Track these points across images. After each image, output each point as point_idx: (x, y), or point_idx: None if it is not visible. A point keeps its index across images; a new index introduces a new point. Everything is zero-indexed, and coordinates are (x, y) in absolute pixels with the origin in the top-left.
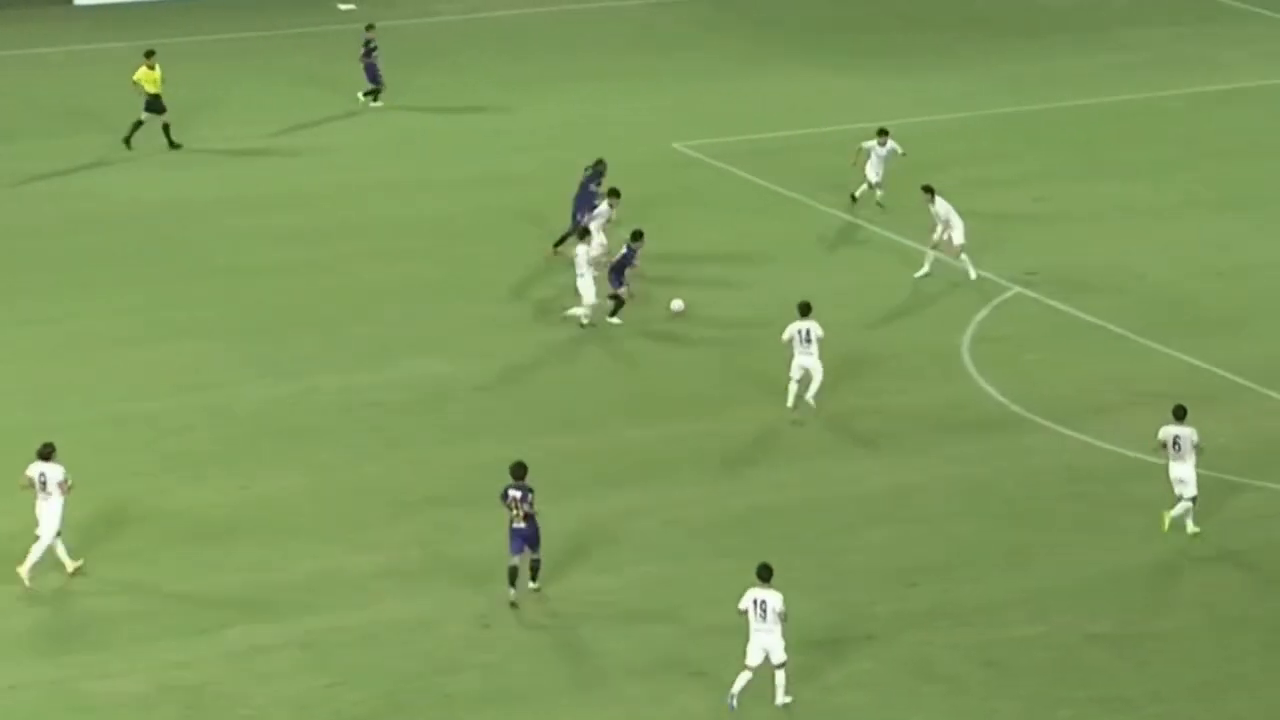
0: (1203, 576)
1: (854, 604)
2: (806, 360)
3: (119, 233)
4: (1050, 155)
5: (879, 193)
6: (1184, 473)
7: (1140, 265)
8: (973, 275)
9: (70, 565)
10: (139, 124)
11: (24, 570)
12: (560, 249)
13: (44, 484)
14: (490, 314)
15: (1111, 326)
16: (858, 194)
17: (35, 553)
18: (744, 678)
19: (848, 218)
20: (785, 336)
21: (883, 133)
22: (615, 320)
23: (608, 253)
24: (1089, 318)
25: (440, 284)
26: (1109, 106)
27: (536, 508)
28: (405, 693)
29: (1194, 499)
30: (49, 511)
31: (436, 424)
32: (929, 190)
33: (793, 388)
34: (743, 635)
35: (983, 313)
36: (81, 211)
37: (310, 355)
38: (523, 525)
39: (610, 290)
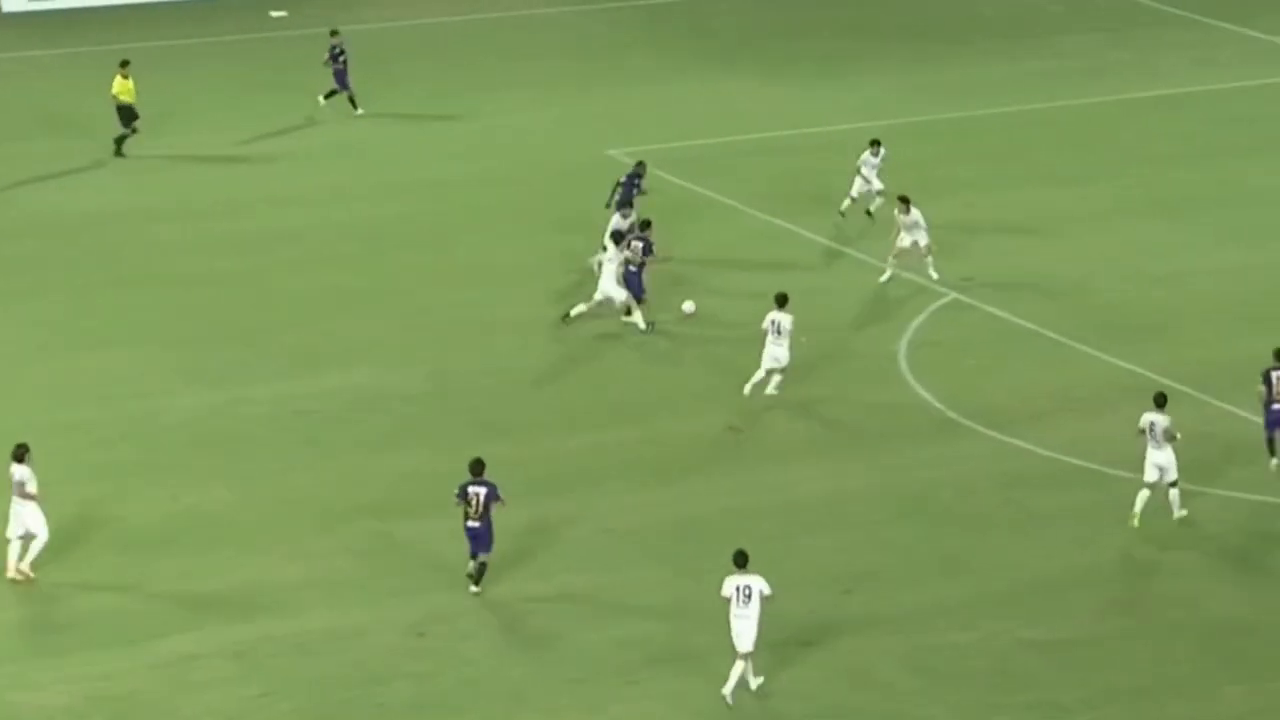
0: (1137, 582)
1: (790, 611)
2: (777, 350)
3: (47, 241)
4: (984, 162)
5: (877, 201)
6: (1163, 459)
7: (1074, 271)
8: (934, 276)
9: (12, 569)
10: (129, 133)
11: (24, 566)
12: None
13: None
14: (420, 322)
15: (1046, 332)
16: (843, 208)
17: (33, 551)
18: (738, 668)
19: (780, 223)
20: (764, 325)
21: (875, 143)
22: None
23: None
24: (1024, 323)
25: (370, 292)
26: (1042, 113)
27: (503, 501)
28: (337, 703)
29: (1175, 483)
30: (32, 512)
31: (366, 433)
32: (905, 200)
33: (758, 375)
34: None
35: (918, 319)
36: (8, 220)
37: (239, 364)
38: (476, 524)
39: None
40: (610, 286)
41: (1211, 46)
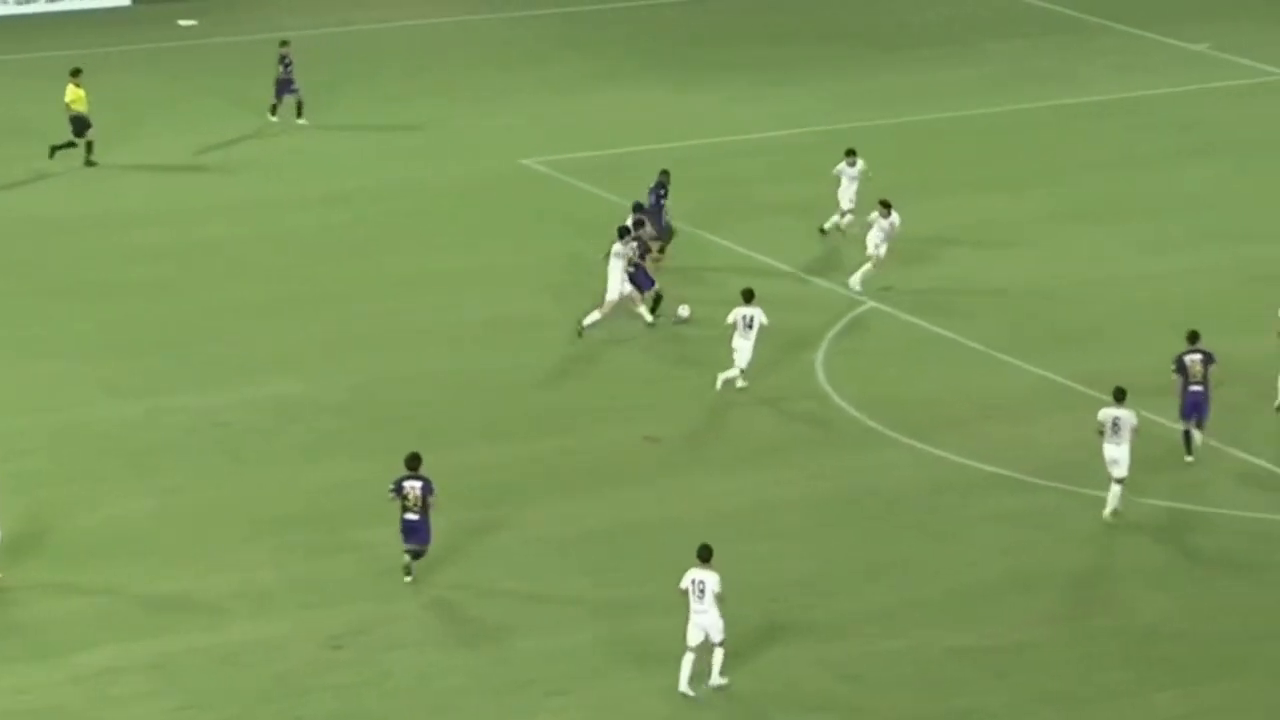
0: (1066, 589)
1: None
2: (743, 345)
3: None
4: (910, 169)
5: (847, 219)
6: (1119, 454)
7: (997, 278)
8: (857, 287)
9: None
10: (89, 144)
11: None
12: (662, 256)
13: None
14: (343, 332)
15: (966, 341)
16: (828, 226)
17: None
18: (688, 659)
19: (700, 232)
20: (729, 320)
21: (850, 153)
22: (654, 318)
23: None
24: (944, 332)
25: (292, 302)
26: (969, 119)
27: (434, 496)
28: (257, 715)
29: (1122, 480)
30: None
31: (288, 444)
32: (886, 204)
33: (734, 372)
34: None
35: (837, 328)
36: None
37: (161, 375)
38: (415, 517)
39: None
40: (615, 285)
41: (1134, 53)
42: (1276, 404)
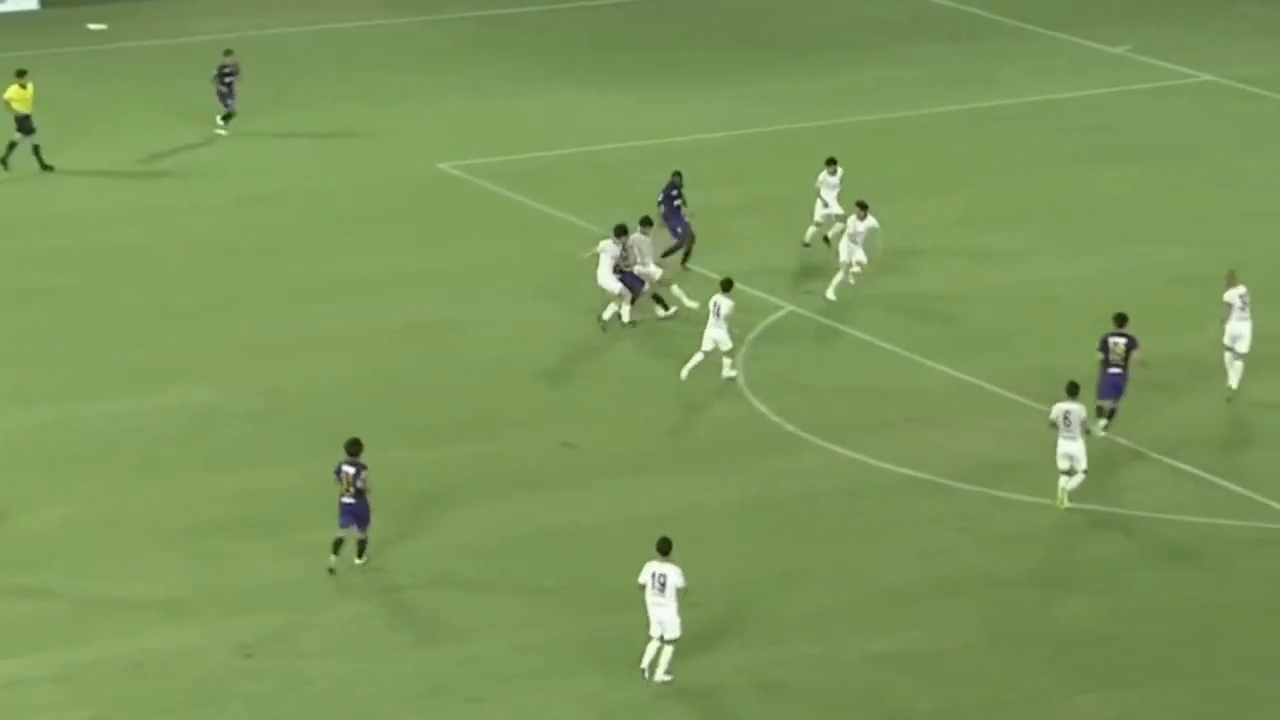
0: (984, 593)
1: (638, 626)
2: (716, 333)
3: None
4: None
5: (814, 230)
6: (1075, 449)
7: (914, 282)
8: (832, 297)
9: None
10: (13, 145)
11: None
12: (687, 263)
13: None
14: (257, 338)
15: (884, 344)
16: (808, 238)
17: None
18: (652, 648)
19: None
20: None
21: (831, 162)
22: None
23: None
24: (862, 335)
25: (205, 308)
26: (885, 123)
27: (369, 484)
28: None
29: (1085, 472)
30: None
31: (202, 451)
32: (863, 206)
33: (697, 357)
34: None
35: (755, 332)
36: None
37: (72, 382)
38: (352, 501)
39: (626, 294)
40: (606, 279)
41: (1054, 56)
42: (1227, 395)
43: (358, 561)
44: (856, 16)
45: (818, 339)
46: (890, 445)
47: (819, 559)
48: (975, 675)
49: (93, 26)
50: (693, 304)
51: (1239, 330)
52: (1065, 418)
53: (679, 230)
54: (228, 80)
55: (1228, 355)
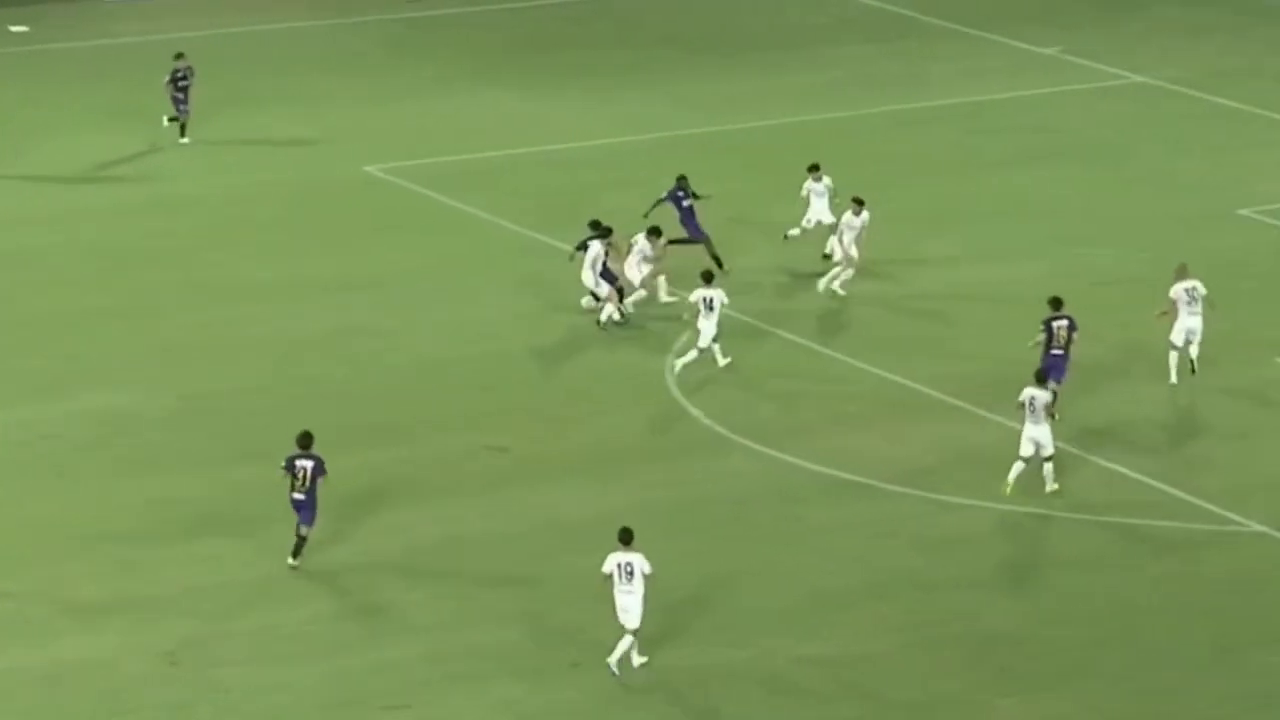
0: (912, 596)
1: (557, 632)
2: (708, 326)
3: None
4: (748, 176)
5: (796, 230)
6: (1040, 434)
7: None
8: (842, 292)
9: None
10: None
11: None
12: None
13: None
14: (170, 343)
15: (814, 346)
16: (791, 232)
17: None
18: (625, 642)
19: (540, 237)
20: (691, 299)
21: (814, 168)
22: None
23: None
24: (792, 337)
25: (116, 312)
26: (808, 125)
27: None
28: None
29: (1050, 457)
30: None
31: (114, 457)
32: (858, 201)
33: (692, 353)
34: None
35: (685, 335)
36: None
37: None
38: (302, 497)
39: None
40: (589, 277)
41: (983, 57)
42: (1171, 380)
43: (291, 562)
44: (785, 19)
45: (749, 341)
46: (821, 448)
47: (748, 562)
48: (900, 679)
49: (15, 28)
50: (672, 298)
51: (1191, 325)
52: (1031, 403)
53: (700, 234)
54: (182, 85)
55: (1173, 354)
